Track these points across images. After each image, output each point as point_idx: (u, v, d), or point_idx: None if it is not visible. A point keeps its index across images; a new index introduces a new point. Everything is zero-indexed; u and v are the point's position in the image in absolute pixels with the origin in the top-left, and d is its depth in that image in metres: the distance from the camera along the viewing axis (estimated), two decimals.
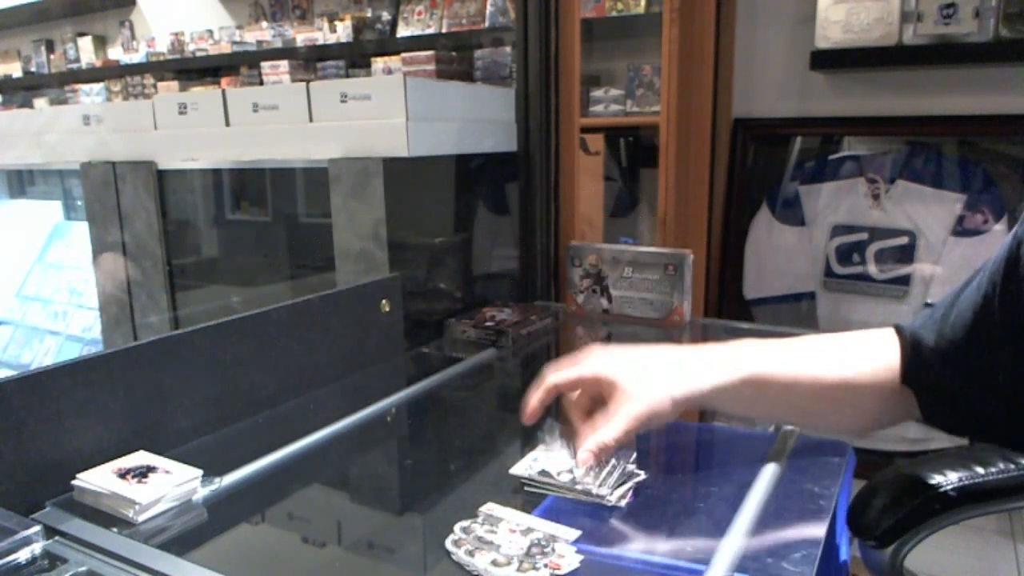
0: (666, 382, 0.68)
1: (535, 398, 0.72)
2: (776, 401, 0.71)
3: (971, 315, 0.64)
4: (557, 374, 0.72)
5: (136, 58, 3.34)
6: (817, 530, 0.60)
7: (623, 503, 0.64)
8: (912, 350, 0.68)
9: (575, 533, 0.59)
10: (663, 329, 1.23)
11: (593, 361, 0.72)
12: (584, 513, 0.63)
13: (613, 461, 0.69)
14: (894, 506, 0.80)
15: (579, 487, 0.65)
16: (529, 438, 0.74)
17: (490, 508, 0.63)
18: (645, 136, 2.16)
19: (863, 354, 0.71)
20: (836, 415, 0.73)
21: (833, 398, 0.70)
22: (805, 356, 0.71)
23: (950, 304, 0.67)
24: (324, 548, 0.65)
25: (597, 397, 0.72)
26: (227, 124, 1.34)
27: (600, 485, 0.65)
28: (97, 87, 3.46)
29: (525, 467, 0.69)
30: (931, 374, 0.67)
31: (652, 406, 0.67)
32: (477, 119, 1.31)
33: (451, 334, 1.20)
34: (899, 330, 0.71)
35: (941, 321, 0.67)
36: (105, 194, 1.55)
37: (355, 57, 2.71)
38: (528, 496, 0.66)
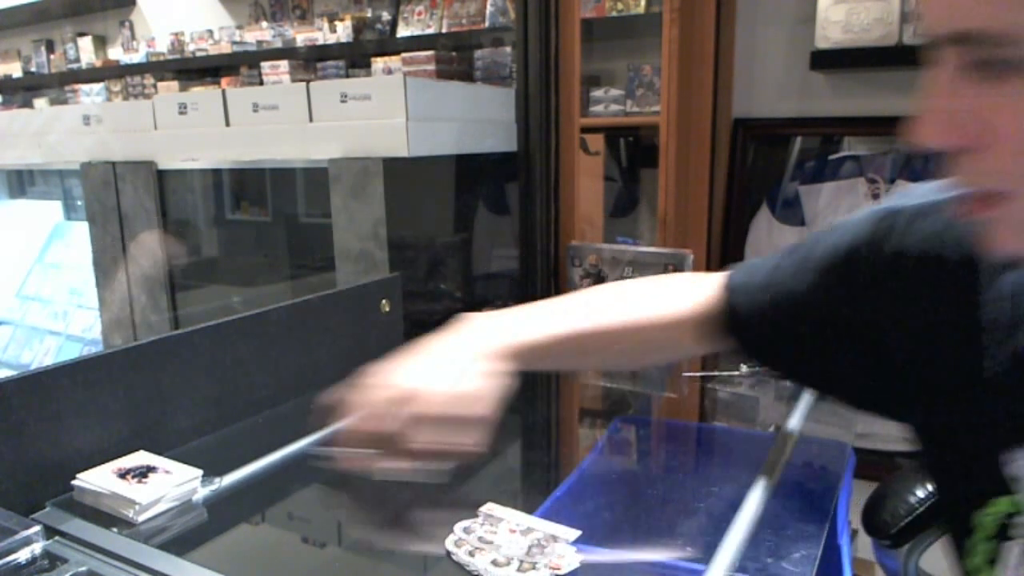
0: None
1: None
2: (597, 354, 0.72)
3: (803, 295, 0.62)
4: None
5: (136, 58, 3.34)
6: (817, 530, 0.60)
7: None
8: (730, 314, 0.68)
9: (575, 533, 0.58)
10: None
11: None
12: (584, 513, 0.63)
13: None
14: (908, 506, 0.80)
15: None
16: (529, 438, 0.74)
17: (490, 508, 0.63)
18: (645, 136, 2.16)
19: (674, 301, 0.70)
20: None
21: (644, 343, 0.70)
22: (618, 308, 0.71)
23: (764, 283, 0.66)
24: (324, 548, 0.65)
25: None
26: (227, 124, 1.33)
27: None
28: (97, 87, 3.46)
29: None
30: (748, 336, 0.67)
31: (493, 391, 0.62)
32: (477, 119, 1.31)
33: None
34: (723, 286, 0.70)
35: (758, 292, 0.66)
36: (105, 194, 1.55)
37: (355, 57, 2.71)
38: (528, 496, 0.66)
